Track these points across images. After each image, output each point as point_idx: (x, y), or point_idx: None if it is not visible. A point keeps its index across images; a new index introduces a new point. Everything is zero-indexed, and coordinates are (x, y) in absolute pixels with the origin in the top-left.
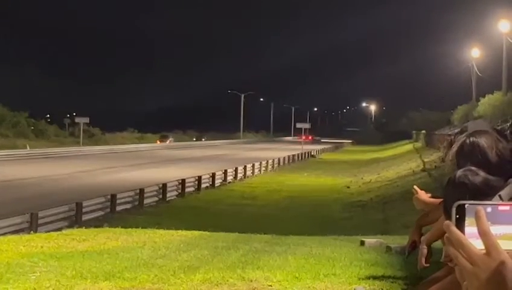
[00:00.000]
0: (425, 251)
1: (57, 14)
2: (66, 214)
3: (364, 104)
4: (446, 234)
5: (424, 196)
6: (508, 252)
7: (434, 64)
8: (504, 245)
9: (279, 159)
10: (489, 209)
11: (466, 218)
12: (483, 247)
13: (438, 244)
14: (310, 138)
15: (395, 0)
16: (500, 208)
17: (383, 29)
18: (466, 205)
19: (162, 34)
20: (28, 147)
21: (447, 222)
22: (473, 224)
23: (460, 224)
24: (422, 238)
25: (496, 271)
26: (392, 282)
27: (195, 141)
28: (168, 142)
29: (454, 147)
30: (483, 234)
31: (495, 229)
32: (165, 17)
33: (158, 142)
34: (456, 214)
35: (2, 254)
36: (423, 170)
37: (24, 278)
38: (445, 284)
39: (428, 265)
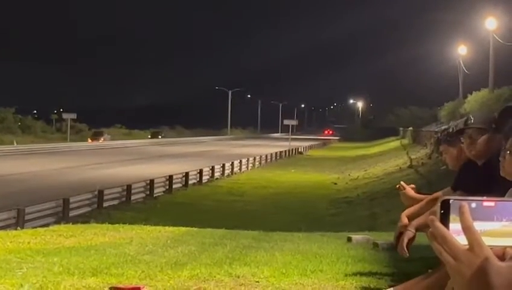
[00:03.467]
0: (411, 233)
1: (46, 11)
2: (53, 210)
3: (351, 101)
4: (430, 229)
5: (411, 192)
6: (491, 249)
7: (421, 61)
8: (488, 241)
9: (266, 156)
10: (474, 205)
11: (452, 215)
12: (467, 243)
13: (425, 240)
14: (331, 132)
15: None
16: (485, 204)
17: (370, 26)
18: (451, 201)
19: (150, 31)
20: (15, 142)
21: (432, 217)
22: (456, 220)
23: (445, 219)
24: (413, 222)
25: (479, 267)
26: (379, 278)
27: (150, 138)
28: (101, 140)
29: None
30: (467, 230)
31: (479, 226)
32: (153, 15)
33: (89, 140)
34: (441, 210)
35: None
36: (410, 167)
37: (11, 274)
38: (434, 279)
39: (407, 254)
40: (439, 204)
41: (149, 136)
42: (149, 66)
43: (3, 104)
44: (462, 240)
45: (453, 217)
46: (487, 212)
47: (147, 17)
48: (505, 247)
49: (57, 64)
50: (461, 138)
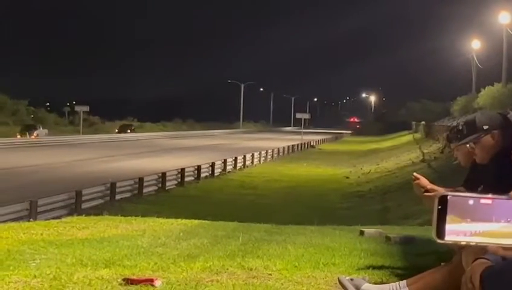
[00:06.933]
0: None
1: (57, 2)
2: (66, 202)
3: (364, 95)
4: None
5: (425, 181)
6: (486, 246)
7: (434, 55)
8: (487, 240)
9: (278, 149)
10: (471, 201)
11: (448, 214)
12: (465, 242)
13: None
14: (356, 120)
15: None
16: (482, 201)
17: (383, 20)
18: (449, 197)
19: (163, 23)
20: (27, 135)
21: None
22: (454, 221)
23: (442, 215)
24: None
25: None
26: (392, 272)
27: (118, 132)
28: (34, 136)
29: None
30: None
31: (479, 227)
32: (166, 7)
33: (18, 136)
34: (438, 205)
35: (2, 241)
36: (422, 161)
37: (24, 265)
38: (446, 273)
39: None
40: (436, 200)
41: (116, 131)
42: (161, 60)
43: (17, 96)
44: (458, 238)
45: (452, 217)
46: (485, 210)
47: (161, 10)
48: (502, 245)
49: (69, 56)
50: (468, 145)
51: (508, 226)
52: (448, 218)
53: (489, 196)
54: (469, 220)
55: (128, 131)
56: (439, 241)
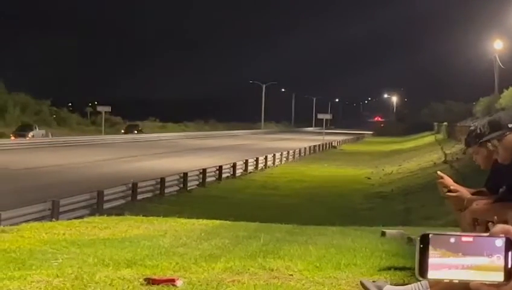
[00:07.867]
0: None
1: (79, 4)
2: (88, 202)
3: (386, 96)
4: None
5: (449, 181)
6: (471, 284)
7: (456, 55)
8: (475, 276)
9: (300, 150)
10: (452, 239)
11: (431, 248)
12: (448, 280)
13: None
14: (380, 118)
15: None
16: (464, 239)
17: (405, 20)
18: (430, 235)
19: (185, 24)
20: (50, 135)
21: None
22: (441, 255)
23: (423, 254)
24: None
25: None
26: (413, 273)
27: (124, 133)
28: (29, 137)
29: None
30: None
31: (460, 264)
32: (186, 9)
33: (12, 137)
34: (420, 244)
35: (24, 241)
36: (445, 162)
37: (47, 265)
38: None
39: None
40: (418, 238)
41: (122, 131)
42: (183, 60)
43: (39, 96)
44: (441, 275)
45: (443, 251)
46: (467, 247)
47: (182, 11)
48: (485, 282)
49: (93, 56)
50: (488, 145)
51: (490, 262)
52: (435, 253)
53: (471, 234)
54: (460, 254)
55: (135, 132)
56: (421, 279)
